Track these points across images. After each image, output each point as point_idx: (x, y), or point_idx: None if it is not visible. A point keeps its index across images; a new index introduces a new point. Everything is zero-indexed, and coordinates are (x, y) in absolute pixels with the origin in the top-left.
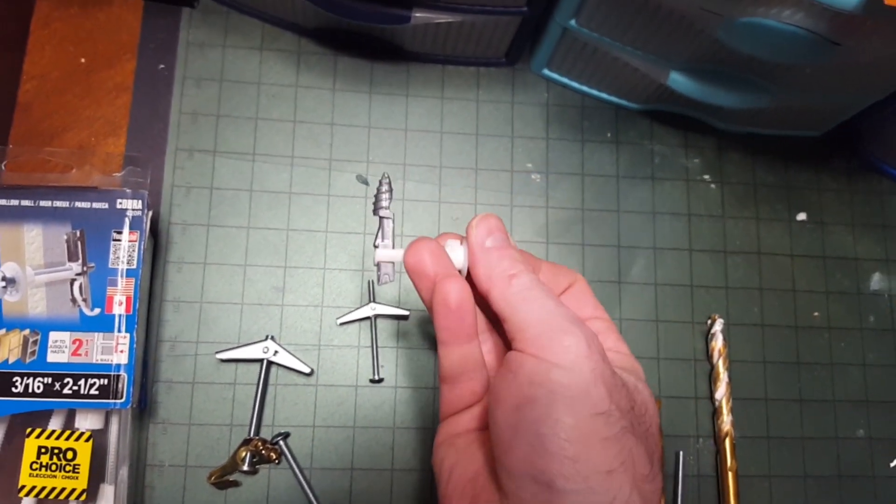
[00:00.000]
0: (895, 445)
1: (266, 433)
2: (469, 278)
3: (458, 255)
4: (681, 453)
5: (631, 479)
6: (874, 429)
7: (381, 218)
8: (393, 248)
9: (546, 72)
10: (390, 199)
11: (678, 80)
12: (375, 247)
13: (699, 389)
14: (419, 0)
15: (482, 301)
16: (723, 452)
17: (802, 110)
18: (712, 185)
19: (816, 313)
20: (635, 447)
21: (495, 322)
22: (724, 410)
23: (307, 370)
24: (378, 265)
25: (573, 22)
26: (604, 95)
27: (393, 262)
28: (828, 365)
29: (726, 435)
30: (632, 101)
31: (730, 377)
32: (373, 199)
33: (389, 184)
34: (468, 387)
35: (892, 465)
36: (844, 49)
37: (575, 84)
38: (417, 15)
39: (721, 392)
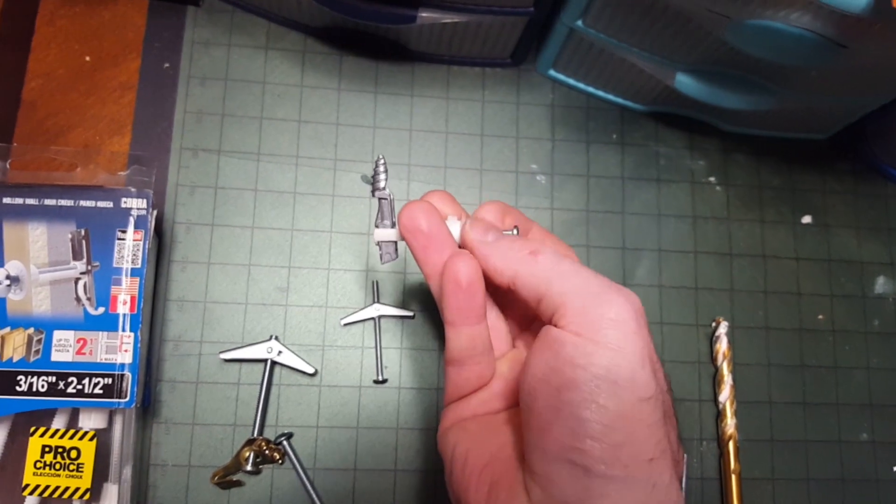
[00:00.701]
0: None
1: (269, 433)
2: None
3: (456, 230)
4: (684, 456)
5: (671, 464)
6: (878, 432)
7: (379, 199)
8: (392, 227)
9: (552, 72)
10: (386, 179)
11: (684, 82)
12: (376, 227)
13: (703, 392)
14: (425, 0)
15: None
16: (726, 455)
17: (808, 113)
18: (717, 188)
19: (821, 316)
20: (672, 431)
21: (500, 301)
22: (728, 413)
23: (311, 370)
24: (379, 245)
25: (580, 22)
26: (609, 96)
27: (394, 242)
28: (832, 368)
29: (730, 438)
30: (637, 102)
31: (734, 380)
32: (370, 182)
33: (385, 165)
34: (476, 370)
35: (895, 468)
36: (851, 52)
37: (580, 85)
38: (423, 15)
39: (725, 395)
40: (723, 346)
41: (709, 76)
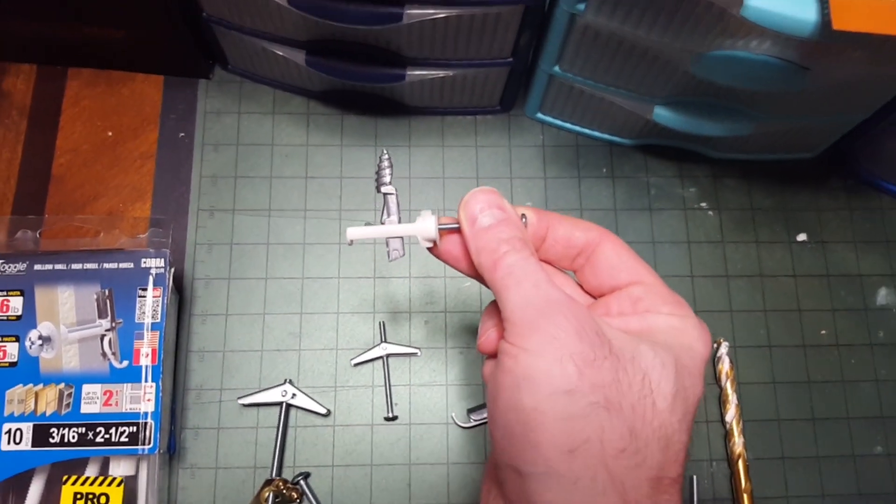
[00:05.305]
0: None
1: (287, 474)
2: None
3: (429, 225)
4: (694, 477)
5: (597, 456)
6: (892, 445)
7: (384, 195)
8: (399, 222)
9: (540, 115)
10: (391, 174)
11: (662, 115)
12: (382, 223)
13: (710, 413)
14: (412, 60)
15: None
16: (737, 474)
17: (792, 134)
18: (710, 213)
19: (824, 331)
20: (607, 422)
21: None
22: (736, 432)
23: (324, 411)
24: (387, 241)
25: (557, 68)
26: (597, 134)
27: (401, 238)
28: (839, 382)
29: (739, 457)
30: (624, 137)
31: (739, 399)
32: (374, 178)
33: (390, 160)
34: None
35: None
36: (814, 73)
37: (568, 125)
38: (412, 73)
39: (731, 414)
40: (725, 365)
41: (685, 106)
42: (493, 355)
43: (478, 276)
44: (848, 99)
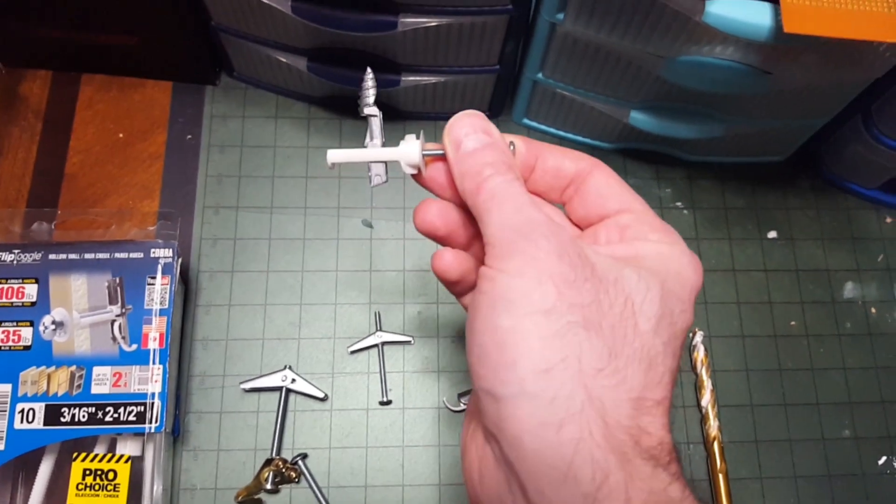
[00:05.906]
0: (882, 444)
1: (286, 455)
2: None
3: (412, 150)
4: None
5: (575, 375)
6: (859, 429)
7: (367, 116)
8: (382, 146)
9: (526, 121)
10: (375, 95)
11: (638, 119)
12: (365, 146)
13: (686, 398)
14: (406, 66)
15: None
16: (712, 456)
17: (760, 137)
18: (685, 211)
19: (793, 322)
20: (585, 341)
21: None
22: (711, 416)
23: (322, 395)
24: (368, 166)
25: (540, 75)
26: (579, 138)
27: (384, 163)
28: (809, 370)
29: (714, 439)
30: (604, 141)
31: (714, 385)
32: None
33: (374, 79)
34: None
35: (880, 462)
36: (777, 77)
37: (552, 130)
38: (407, 79)
39: (706, 399)
40: (700, 353)
41: (659, 111)
42: (466, 287)
43: (464, 205)
44: (809, 103)
